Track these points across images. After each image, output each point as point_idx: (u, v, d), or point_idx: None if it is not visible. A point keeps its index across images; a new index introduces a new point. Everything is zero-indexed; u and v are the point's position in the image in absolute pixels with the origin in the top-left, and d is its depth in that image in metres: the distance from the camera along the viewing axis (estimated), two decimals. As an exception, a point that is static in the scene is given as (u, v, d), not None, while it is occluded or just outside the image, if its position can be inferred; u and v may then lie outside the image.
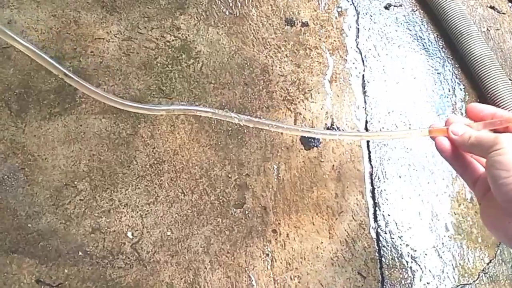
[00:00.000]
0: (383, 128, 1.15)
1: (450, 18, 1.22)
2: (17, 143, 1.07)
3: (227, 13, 1.26)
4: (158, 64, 1.19)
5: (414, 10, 1.31)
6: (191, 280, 0.98)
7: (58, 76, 1.13)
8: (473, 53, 1.18)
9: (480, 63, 1.17)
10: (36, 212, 1.01)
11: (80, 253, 0.99)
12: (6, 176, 1.04)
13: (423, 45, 1.26)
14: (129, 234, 1.01)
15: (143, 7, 1.26)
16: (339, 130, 1.14)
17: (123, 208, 1.03)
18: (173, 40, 1.22)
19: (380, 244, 1.04)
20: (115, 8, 1.25)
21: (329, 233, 1.04)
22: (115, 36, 1.21)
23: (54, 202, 1.02)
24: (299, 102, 1.17)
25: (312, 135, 0.89)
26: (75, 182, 1.04)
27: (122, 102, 0.64)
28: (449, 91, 1.21)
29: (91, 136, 1.09)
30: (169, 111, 0.64)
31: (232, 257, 1.01)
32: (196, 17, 1.25)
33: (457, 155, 0.62)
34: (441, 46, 1.27)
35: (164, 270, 0.99)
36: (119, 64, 1.18)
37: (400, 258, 1.03)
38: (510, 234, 0.53)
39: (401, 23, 1.29)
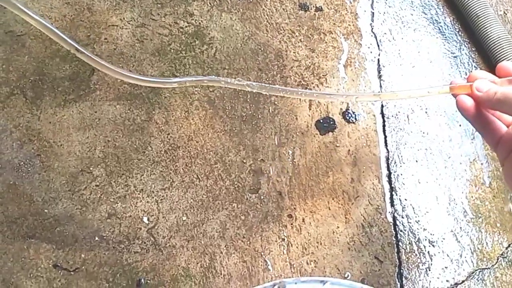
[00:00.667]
0: (398, 112, 1.14)
1: (467, 1, 1.20)
2: (33, 130, 1.07)
3: (240, -2, 1.26)
4: (172, 51, 1.18)
5: (430, -7, 1.29)
6: (207, 264, 0.98)
7: (72, 64, 1.13)
8: (490, 36, 1.17)
9: (498, 46, 1.15)
10: (52, 198, 1.02)
11: (96, 238, 0.99)
12: (22, 163, 1.04)
13: (439, 29, 1.25)
14: (145, 219, 1.01)
15: (156, -7, 1.25)
16: (354, 118, 1.13)
17: (139, 194, 1.03)
18: (186, 26, 1.21)
19: (397, 229, 1.03)
20: (128, -5, 1.25)
21: (345, 217, 1.03)
22: (129, 23, 1.21)
23: (70, 188, 1.03)
24: (313, 87, 1.16)
25: (329, 99, 0.87)
26: (91, 168, 1.05)
27: (135, 76, 0.63)
28: (466, 74, 1.19)
29: (106, 123, 1.09)
30: (182, 83, 0.63)
31: (248, 242, 1.00)
32: (209, 3, 1.25)
33: (479, 114, 0.59)
34: (457, 30, 1.25)
35: (180, 254, 0.99)
36: (133, 51, 1.18)
37: (417, 243, 1.02)
38: None
39: (416, 7, 1.27)
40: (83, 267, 0.97)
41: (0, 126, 1.07)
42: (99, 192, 1.03)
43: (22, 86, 1.11)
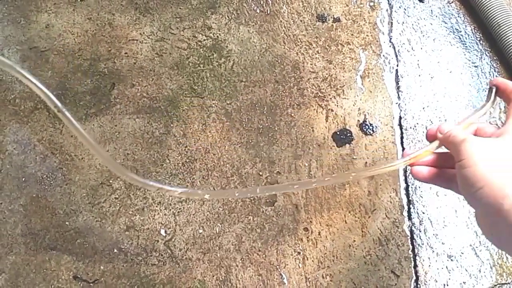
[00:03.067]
0: (417, 124, 1.12)
1: (488, 10, 1.18)
2: (55, 144, 1.10)
3: (257, 11, 1.27)
4: (190, 64, 1.20)
5: (450, 2, 1.27)
6: (223, 277, 0.99)
7: (93, 78, 1.16)
8: (512, 44, 1.14)
9: (520, 55, 1.13)
10: (73, 210, 1.04)
11: (115, 250, 1.01)
12: (45, 176, 1.07)
13: (460, 38, 1.23)
14: (162, 231, 1.03)
15: (175, 7, 1.27)
16: (371, 130, 1.12)
17: (156, 206, 1.05)
18: (204, 40, 1.23)
19: (415, 243, 1.02)
20: (148, 10, 1.27)
21: (362, 231, 1.03)
22: (148, 37, 1.23)
23: (90, 201, 1.05)
24: (330, 98, 1.16)
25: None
26: (110, 181, 1.07)
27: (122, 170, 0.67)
28: (487, 85, 1.17)
29: (125, 136, 1.12)
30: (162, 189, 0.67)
31: (264, 255, 1.01)
32: (227, 16, 1.26)
33: (438, 175, 0.61)
34: (478, 39, 1.23)
35: (196, 267, 1.00)
36: (152, 65, 1.20)
37: (435, 257, 1.00)
38: (504, 239, 0.51)
39: (436, 16, 1.25)
40: (102, 279, 0.99)
41: (24, 140, 1.10)
42: (118, 204, 1.05)
43: (45, 101, 1.15)
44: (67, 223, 1.03)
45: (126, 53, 1.21)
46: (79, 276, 0.99)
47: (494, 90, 0.62)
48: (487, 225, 0.53)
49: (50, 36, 1.23)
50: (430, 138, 0.62)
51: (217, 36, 1.23)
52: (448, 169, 0.60)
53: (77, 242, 1.02)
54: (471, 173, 0.52)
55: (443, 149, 0.60)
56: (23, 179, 1.06)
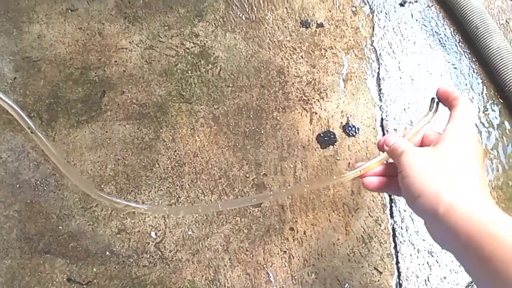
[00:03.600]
0: (398, 125, 1.16)
1: (466, 12, 1.22)
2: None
3: (243, 18, 1.30)
4: (178, 71, 1.24)
5: (430, 5, 1.31)
6: (212, 277, 1.03)
7: (84, 86, 1.20)
8: (490, 46, 1.18)
9: (497, 55, 1.17)
10: (66, 214, 1.08)
11: (107, 253, 1.04)
12: (38, 182, 1.11)
13: (439, 41, 1.26)
14: (153, 234, 1.06)
15: (163, 16, 1.31)
16: (354, 132, 1.16)
17: (147, 209, 1.08)
18: (192, 47, 1.26)
19: (397, 240, 1.05)
20: (137, 19, 1.31)
21: (346, 229, 1.06)
22: (137, 46, 1.27)
23: (83, 205, 1.09)
24: (314, 102, 1.19)
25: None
26: (102, 186, 1.11)
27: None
28: (466, 85, 1.21)
29: (116, 142, 1.15)
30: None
31: (251, 255, 1.04)
32: (214, 24, 1.30)
33: (388, 183, 0.65)
34: (457, 41, 1.27)
35: (186, 268, 1.03)
36: (142, 72, 1.23)
37: (416, 253, 1.04)
38: (445, 243, 0.55)
39: (416, 19, 1.29)
40: (95, 281, 1.02)
41: (18, 148, 1.14)
42: (109, 208, 1.08)
43: (38, 109, 1.18)
44: (60, 227, 1.06)
45: (116, 61, 1.25)
46: (72, 278, 1.02)
47: (436, 100, 0.66)
48: (430, 230, 0.56)
49: (42, 46, 1.26)
50: (381, 149, 0.66)
51: (204, 43, 1.27)
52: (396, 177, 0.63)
53: (71, 246, 1.05)
54: (409, 183, 0.56)
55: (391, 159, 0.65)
56: (18, 185, 1.10)
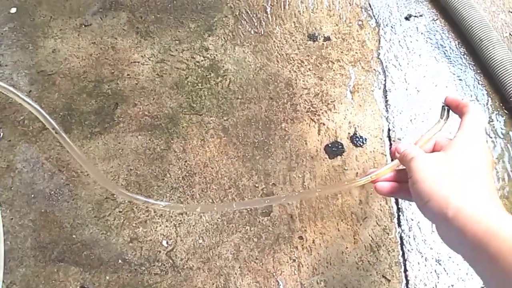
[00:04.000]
0: (405, 135, 1.18)
1: (470, 26, 1.25)
2: (62, 161, 1.16)
3: (252, 32, 1.34)
4: (189, 83, 1.27)
5: (435, 19, 1.34)
6: (222, 285, 1.04)
7: (97, 99, 1.23)
8: (494, 58, 1.20)
9: (502, 67, 1.19)
10: (79, 224, 1.10)
11: (119, 261, 1.06)
12: (53, 192, 1.13)
13: (444, 53, 1.29)
14: (164, 242, 1.08)
15: (174, 31, 1.34)
16: (361, 142, 1.18)
17: (158, 219, 1.10)
18: (202, 60, 1.30)
19: (404, 248, 1.06)
20: (149, 33, 1.34)
21: (354, 238, 1.08)
22: (149, 59, 1.30)
23: (96, 215, 1.11)
24: (322, 113, 1.22)
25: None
26: (114, 196, 1.13)
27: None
28: (472, 96, 1.23)
29: (128, 153, 1.18)
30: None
31: (261, 263, 1.06)
32: (223, 38, 1.33)
33: (399, 188, 0.67)
34: (462, 53, 1.29)
35: (197, 276, 1.05)
36: (153, 85, 1.27)
37: (424, 261, 1.05)
38: (456, 246, 0.56)
39: (421, 33, 1.32)
40: (108, 288, 1.04)
41: (33, 159, 1.17)
42: (122, 217, 1.11)
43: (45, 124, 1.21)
44: (74, 236, 1.09)
45: (128, 74, 1.28)
46: (86, 286, 1.04)
47: (446, 108, 0.68)
48: (441, 234, 0.58)
49: (56, 60, 1.30)
50: (393, 156, 0.68)
51: (214, 57, 1.30)
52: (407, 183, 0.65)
53: (84, 254, 1.07)
54: (419, 188, 0.58)
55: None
56: (32, 195, 1.13)
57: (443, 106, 0.69)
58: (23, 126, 1.21)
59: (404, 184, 0.65)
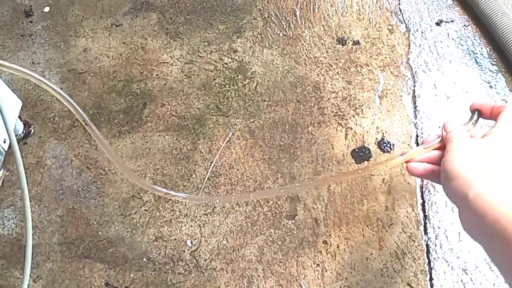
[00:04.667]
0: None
1: (502, 32, 1.23)
2: (91, 159, 1.18)
3: (281, 35, 1.34)
4: (216, 85, 1.27)
5: (466, 25, 1.32)
6: (245, 287, 1.04)
7: (126, 98, 1.24)
8: (527, 65, 1.18)
9: (535, 75, 1.17)
10: (106, 221, 1.11)
11: (144, 259, 1.07)
12: (80, 189, 1.15)
13: (475, 60, 1.27)
14: (188, 242, 1.09)
15: (203, 32, 1.35)
16: (389, 148, 1.17)
17: (183, 218, 1.11)
18: (230, 62, 1.30)
19: (430, 256, 1.05)
20: (178, 34, 1.36)
21: (379, 244, 1.07)
22: (178, 60, 1.31)
23: (122, 212, 1.12)
24: (350, 117, 1.21)
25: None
26: (141, 194, 1.14)
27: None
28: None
29: (155, 152, 1.19)
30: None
31: (284, 266, 1.06)
32: (252, 40, 1.33)
33: (432, 169, 0.66)
34: (494, 60, 1.27)
35: (220, 277, 1.05)
36: (181, 86, 1.28)
37: (450, 270, 1.03)
38: (473, 230, 0.56)
39: (452, 39, 1.30)
40: (132, 286, 1.05)
41: (62, 155, 1.19)
42: (147, 216, 1.12)
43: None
44: (100, 233, 1.10)
45: (157, 74, 1.29)
46: (110, 283, 1.05)
47: (476, 113, 0.67)
48: (461, 218, 0.57)
49: (87, 59, 1.32)
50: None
51: (242, 59, 1.31)
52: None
53: (109, 251, 1.08)
54: (448, 166, 0.58)
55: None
56: (61, 191, 1.14)
57: (474, 110, 0.68)
58: (53, 123, 1.23)
59: (437, 167, 0.65)
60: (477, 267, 1.03)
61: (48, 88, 0.64)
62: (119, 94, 1.26)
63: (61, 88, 1.27)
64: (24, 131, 1.19)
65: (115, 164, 0.79)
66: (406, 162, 0.68)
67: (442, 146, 0.66)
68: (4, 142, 1.09)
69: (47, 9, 1.42)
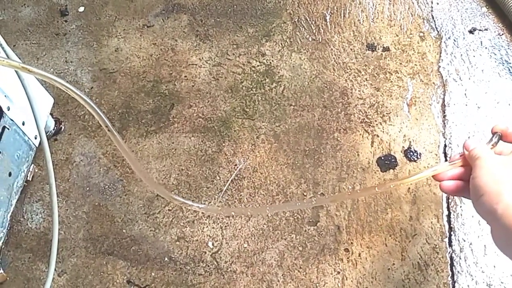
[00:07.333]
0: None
1: (539, 42, 1.19)
2: (118, 157, 1.20)
3: (310, 39, 1.33)
4: (244, 88, 1.28)
5: (501, 34, 1.29)
6: (265, 291, 1.04)
7: (155, 98, 1.26)
8: None
9: None
10: (130, 219, 1.13)
11: (166, 259, 1.09)
12: (107, 186, 1.17)
13: (509, 70, 1.24)
14: (210, 244, 1.09)
15: (233, 35, 1.36)
16: (416, 157, 1.15)
17: (206, 220, 1.12)
18: (258, 65, 1.31)
19: (454, 269, 1.03)
20: (208, 37, 1.37)
21: (402, 255, 1.05)
22: (206, 62, 1.32)
23: (146, 211, 1.14)
24: (377, 124, 1.20)
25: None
26: (165, 194, 1.15)
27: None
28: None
29: (181, 153, 1.20)
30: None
31: (304, 273, 1.05)
32: (281, 44, 1.33)
33: (463, 186, 0.65)
34: (528, 70, 1.24)
35: (240, 280, 1.06)
36: (209, 88, 1.29)
37: (474, 285, 1.01)
38: (504, 245, 0.55)
39: (485, 47, 1.27)
40: (153, 285, 1.06)
41: (90, 153, 1.21)
42: (171, 216, 1.13)
43: (111, 118, 1.26)
44: (124, 230, 1.12)
45: (185, 76, 1.31)
46: (132, 281, 1.07)
47: (497, 136, 0.65)
48: (492, 233, 0.57)
49: (118, 59, 1.34)
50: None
51: (270, 62, 1.31)
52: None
53: (132, 249, 1.10)
54: (476, 182, 0.58)
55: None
56: (88, 188, 1.17)
57: (495, 132, 0.66)
58: (83, 121, 1.26)
59: (468, 183, 0.64)
60: (502, 282, 1.00)
61: (73, 93, 0.66)
62: (147, 94, 1.28)
63: (92, 88, 1.30)
64: (55, 128, 1.22)
65: (134, 170, 0.80)
66: (436, 179, 0.68)
67: (464, 165, 0.65)
68: (35, 138, 1.12)
69: (81, 9, 1.46)
